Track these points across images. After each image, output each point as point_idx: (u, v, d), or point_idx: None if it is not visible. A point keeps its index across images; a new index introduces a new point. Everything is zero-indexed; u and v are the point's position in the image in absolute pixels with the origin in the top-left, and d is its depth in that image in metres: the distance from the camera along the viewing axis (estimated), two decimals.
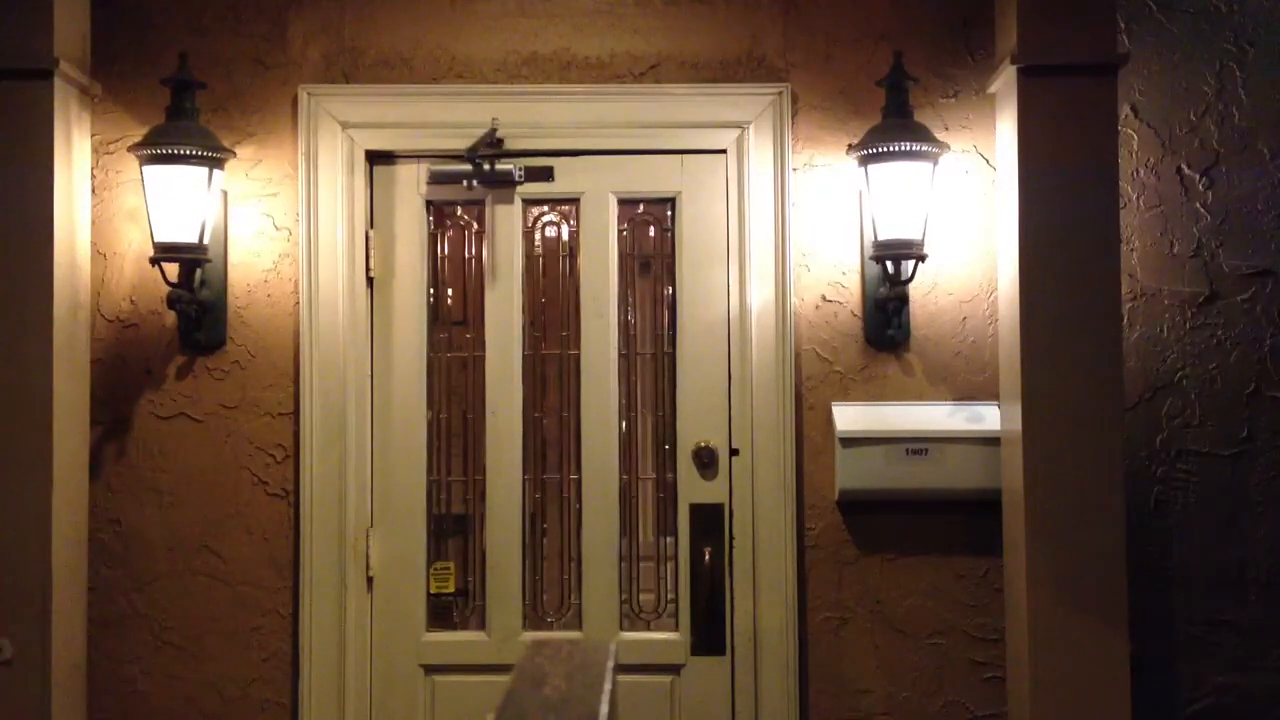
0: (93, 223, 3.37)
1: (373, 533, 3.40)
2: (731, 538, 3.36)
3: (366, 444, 3.40)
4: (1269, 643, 3.38)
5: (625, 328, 3.46)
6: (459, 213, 3.49)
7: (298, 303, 3.37)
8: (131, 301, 3.40)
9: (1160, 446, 3.40)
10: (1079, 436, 3.09)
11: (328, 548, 3.33)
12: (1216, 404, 3.41)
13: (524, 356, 3.45)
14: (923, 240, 3.24)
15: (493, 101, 3.39)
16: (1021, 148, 3.12)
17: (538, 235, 3.49)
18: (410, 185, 3.44)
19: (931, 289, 3.38)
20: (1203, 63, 3.44)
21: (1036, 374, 3.10)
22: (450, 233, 3.50)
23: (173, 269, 3.27)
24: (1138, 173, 3.43)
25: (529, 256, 3.48)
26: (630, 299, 3.47)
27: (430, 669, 3.40)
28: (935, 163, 3.24)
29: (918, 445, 3.28)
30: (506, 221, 3.44)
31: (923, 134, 3.22)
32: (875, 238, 3.27)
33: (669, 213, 3.45)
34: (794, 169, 3.38)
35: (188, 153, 3.19)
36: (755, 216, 3.36)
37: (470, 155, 3.35)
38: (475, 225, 3.48)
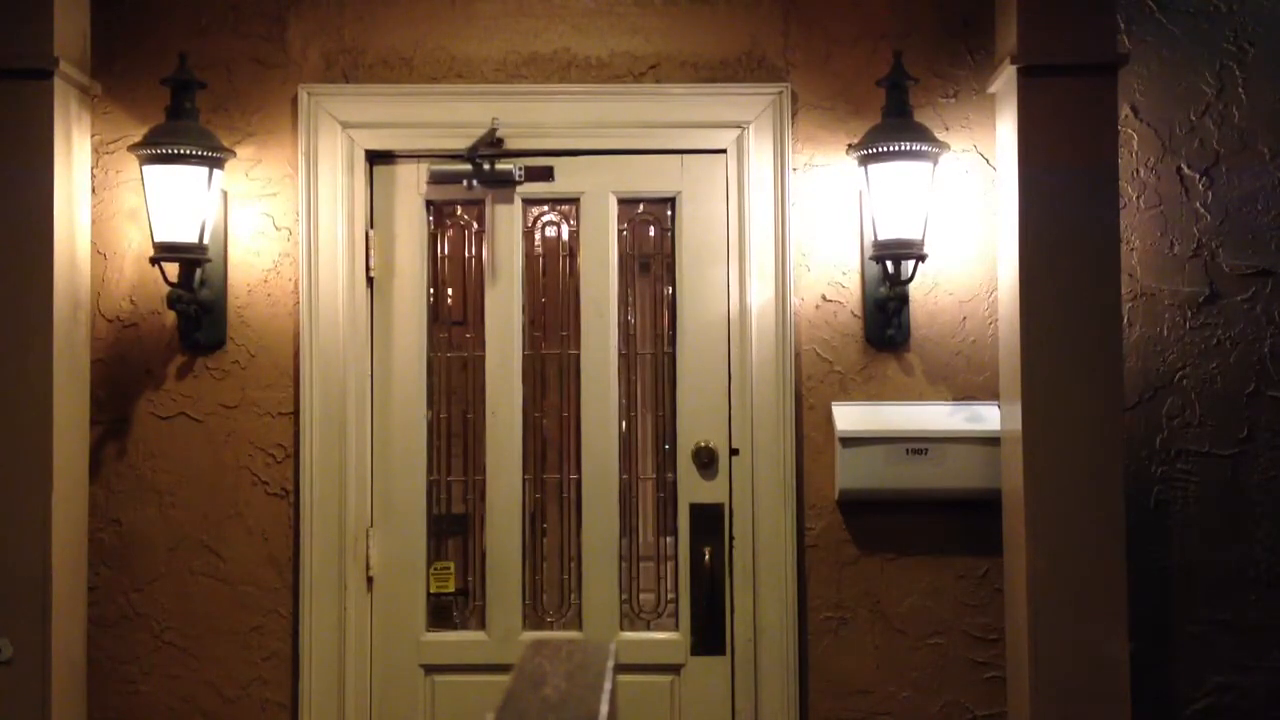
0: (93, 223, 3.37)
1: (373, 533, 3.40)
2: (731, 538, 3.36)
3: (366, 444, 3.40)
4: (1269, 643, 3.39)
5: (625, 328, 3.46)
6: (459, 212, 3.49)
7: (298, 303, 3.37)
8: (131, 301, 3.40)
9: (1160, 446, 3.40)
10: (1079, 436, 3.09)
11: (328, 548, 3.33)
12: (1216, 404, 3.41)
13: (524, 356, 3.45)
14: (923, 240, 3.24)
15: (493, 101, 3.39)
16: (1021, 148, 3.12)
17: (538, 235, 3.49)
18: (410, 185, 3.44)
19: (931, 289, 3.38)
20: (1203, 63, 3.44)
21: (1036, 374, 3.10)
22: (450, 233, 3.50)
23: (173, 269, 3.27)
24: (1138, 173, 3.43)
25: (529, 256, 3.48)
26: (630, 299, 3.47)
27: (430, 669, 3.40)
28: (935, 162, 3.24)
29: (918, 445, 3.28)
30: (506, 221, 3.45)
31: (922, 134, 3.22)
32: (875, 237, 3.27)
33: (669, 213, 3.45)
34: (794, 169, 3.38)
35: (188, 152, 3.19)
36: (755, 216, 3.36)
37: (470, 155, 3.35)
38: (475, 225, 3.48)
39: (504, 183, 3.42)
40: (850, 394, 3.37)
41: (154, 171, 3.22)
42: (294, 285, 3.38)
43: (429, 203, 3.46)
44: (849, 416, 3.31)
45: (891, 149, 3.19)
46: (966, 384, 3.37)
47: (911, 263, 3.26)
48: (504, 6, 3.44)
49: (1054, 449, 3.08)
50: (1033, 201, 3.12)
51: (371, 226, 3.43)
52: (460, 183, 3.39)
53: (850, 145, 3.29)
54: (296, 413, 3.36)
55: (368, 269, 3.41)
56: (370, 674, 3.39)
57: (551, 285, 3.49)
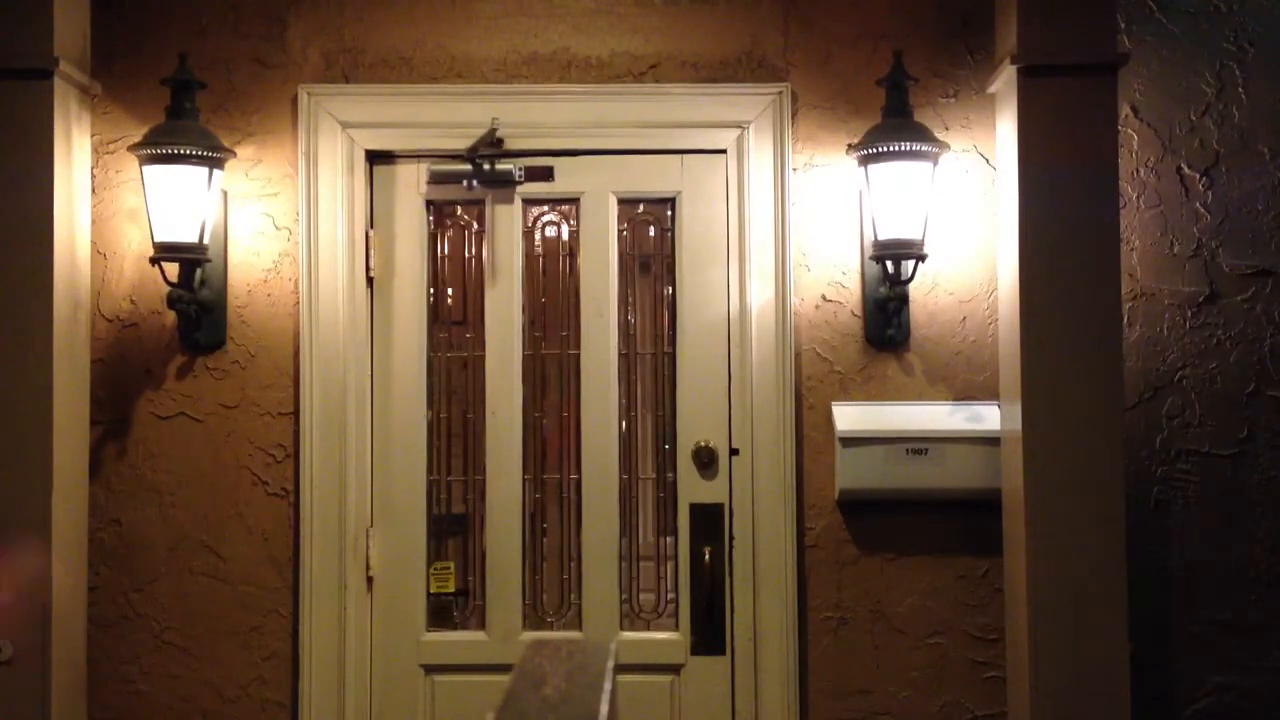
0: (93, 223, 3.37)
1: (373, 532, 3.40)
2: (731, 538, 3.36)
3: (366, 444, 3.40)
4: (1269, 643, 3.39)
5: (625, 328, 3.46)
6: (459, 212, 3.49)
7: (298, 303, 3.37)
8: (131, 301, 3.40)
9: (1160, 446, 3.40)
10: (1079, 436, 3.08)
11: (328, 547, 3.33)
12: (1216, 404, 3.41)
13: (524, 356, 3.45)
14: (923, 240, 3.24)
15: (493, 101, 3.39)
16: (1021, 148, 3.12)
17: (538, 235, 3.49)
18: (410, 185, 3.44)
19: (931, 289, 3.38)
20: (1203, 63, 3.44)
21: (1036, 374, 3.10)
22: (450, 232, 3.50)
23: (173, 269, 3.27)
24: (1138, 173, 3.43)
25: (529, 256, 3.48)
26: (630, 299, 3.47)
27: (430, 669, 3.40)
28: (935, 162, 3.24)
29: (918, 445, 3.28)
30: (506, 221, 3.45)
31: (922, 134, 3.22)
32: (875, 237, 3.27)
33: (669, 213, 3.45)
34: (794, 169, 3.38)
35: (188, 152, 3.19)
36: (755, 216, 3.36)
37: (470, 155, 3.35)
38: (475, 225, 3.49)
39: (504, 183, 3.42)
40: (850, 394, 3.37)
41: (154, 171, 3.22)
42: (294, 285, 3.38)
43: (429, 203, 3.46)
44: (849, 416, 3.32)
45: (891, 149, 3.19)
46: (966, 384, 3.37)
47: (911, 263, 3.26)
48: (504, 6, 3.44)
49: (1054, 449, 3.08)
50: (1033, 201, 3.12)
51: (371, 226, 3.43)
52: (460, 183, 3.39)
53: (850, 145, 3.29)
54: (296, 413, 3.36)
55: (368, 269, 3.41)
56: (370, 674, 3.39)
57: (551, 285, 3.49)
